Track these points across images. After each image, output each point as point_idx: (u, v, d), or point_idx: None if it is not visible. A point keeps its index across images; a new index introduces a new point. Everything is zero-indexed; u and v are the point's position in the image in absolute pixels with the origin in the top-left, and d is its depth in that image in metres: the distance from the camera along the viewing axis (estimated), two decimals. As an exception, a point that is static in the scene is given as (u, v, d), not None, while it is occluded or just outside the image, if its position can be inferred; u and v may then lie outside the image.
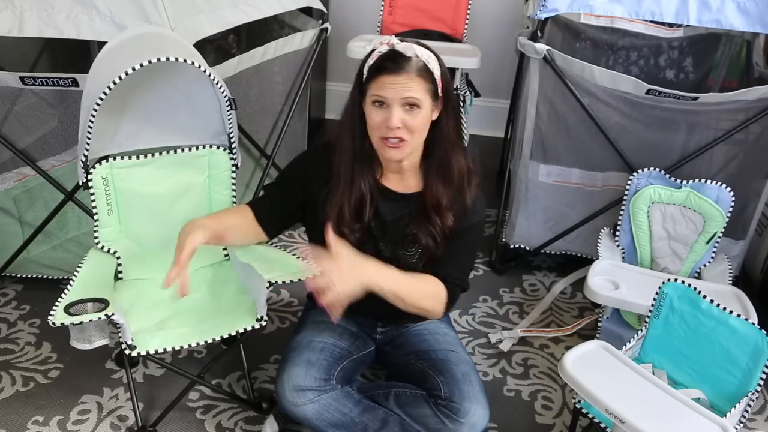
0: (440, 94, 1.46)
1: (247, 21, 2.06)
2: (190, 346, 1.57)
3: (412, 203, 1.56)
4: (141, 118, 1.72)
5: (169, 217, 1.76)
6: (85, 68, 1.69)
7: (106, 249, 1.72)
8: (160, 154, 1.73)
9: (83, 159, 1.62)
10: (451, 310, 1.74)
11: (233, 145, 1.77)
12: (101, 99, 1.49)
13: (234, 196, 1.81)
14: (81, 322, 1.43)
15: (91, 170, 1.66)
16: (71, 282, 1.57)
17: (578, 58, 2.05)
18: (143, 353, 1.52)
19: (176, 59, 1.52)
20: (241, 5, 2.05)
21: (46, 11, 1.77)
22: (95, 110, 1.51)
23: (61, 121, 2.00)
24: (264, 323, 1.59)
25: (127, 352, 1.52)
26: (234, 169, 1.78)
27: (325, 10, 2.41)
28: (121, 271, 1.75)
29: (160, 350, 1.54)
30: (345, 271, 1.36)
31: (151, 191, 1.74)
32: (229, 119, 1.72)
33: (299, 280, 1.47)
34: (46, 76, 1.80)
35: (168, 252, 1.79)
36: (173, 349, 1.56)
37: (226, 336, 1.59)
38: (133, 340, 1.52)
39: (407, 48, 1.43)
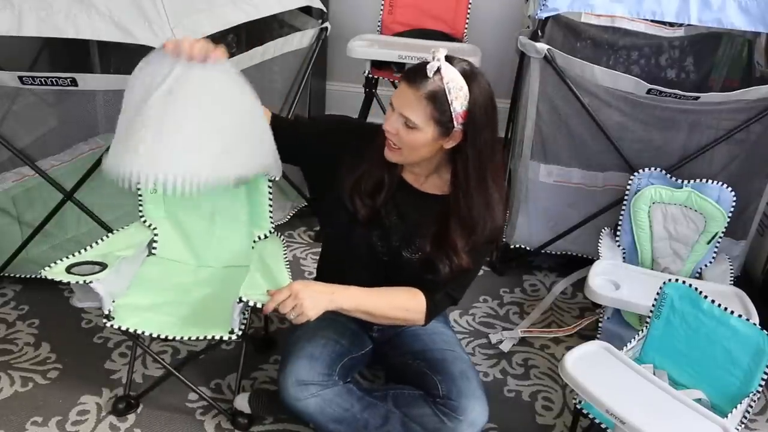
0: (459, 127, 1.41)
1: (247, 20, 2.05)
2: (163, 337, 1.59)
3: (425, 202, 1.55)
4: None
5: (205, 210, 1.79)
6: (84, 68, 1.69)
7: (148, 224, 1.78)
8: None
9: None
10: (435, 317, 1.69)
11: None
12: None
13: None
14: (68, 282, 1.47)
15: None
16: (97, 243, 1.64)
17: (579, 58, 2.05)
18: (116, 327, 1.55)
19: None
20: (241, 4, 2.04)
21: (45, 11, 1.76)
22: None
23: (60, 120, 1.99)
24: (234, 337, 1.56)
25: (104, 321, 1.55)
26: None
27: (325, 10, 2.40)
28: (155, 247, 1.80)
29: (131, 330, 1.56)
30: (303, 301, 1.40)
31: None
32: None
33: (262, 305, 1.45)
34: (45, 75, 1.80)
35: (204, 244, 1.81)
36: (143, 333, 1.57)
37: (201, 338, 1.57)
38: (111, 311, 1.55)
39: (433, 67, 1.38)
